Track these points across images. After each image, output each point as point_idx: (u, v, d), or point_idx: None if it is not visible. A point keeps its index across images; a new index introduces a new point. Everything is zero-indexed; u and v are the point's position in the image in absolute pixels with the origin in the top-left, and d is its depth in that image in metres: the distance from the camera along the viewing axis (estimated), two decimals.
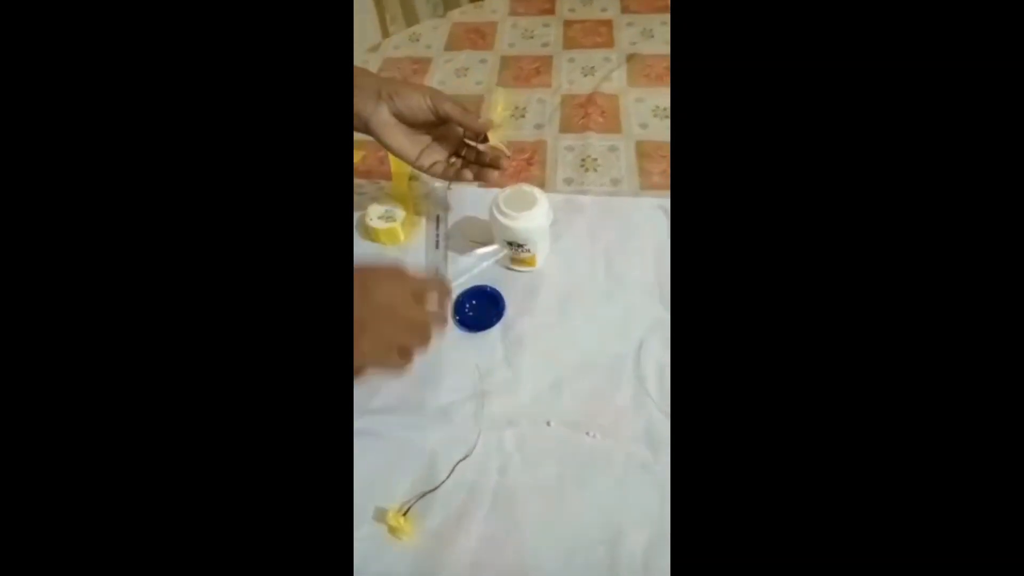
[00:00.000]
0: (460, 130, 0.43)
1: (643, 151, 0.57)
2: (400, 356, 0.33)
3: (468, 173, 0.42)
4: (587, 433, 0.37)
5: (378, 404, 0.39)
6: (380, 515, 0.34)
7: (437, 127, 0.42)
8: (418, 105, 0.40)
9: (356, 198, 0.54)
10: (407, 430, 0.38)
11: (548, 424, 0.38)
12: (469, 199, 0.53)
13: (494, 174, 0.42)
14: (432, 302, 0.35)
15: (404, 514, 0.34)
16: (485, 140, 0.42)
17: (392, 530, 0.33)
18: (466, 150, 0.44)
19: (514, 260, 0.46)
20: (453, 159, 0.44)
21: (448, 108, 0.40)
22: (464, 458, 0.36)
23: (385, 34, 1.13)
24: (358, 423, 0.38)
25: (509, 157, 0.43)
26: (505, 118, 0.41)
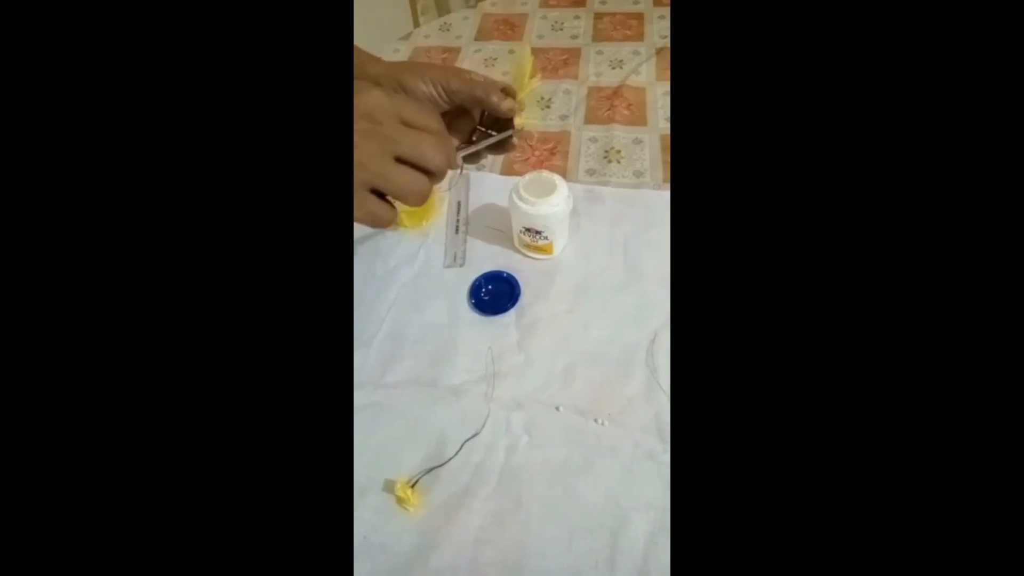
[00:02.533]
0: (476, 114, 0.37)
1: (668, 144, 0.57)
2: (407, 175, 0.27)
3: (483, 158, 0.38)
4: (595, 420, 0.37)
5: (391, 379, 0.40)
6: (388, 486, 0.35)
7: (449, 114, 0.37)
8: (426, 97, 0.34)
9: None
10: (418, 406, 0.39)
11: (557, 409, 0.38)
12: (490, 186, 0.53)
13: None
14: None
15: (412, 486, 0.35)
16: (508, 126, 0.37)
17: (399, 500, 0.34)
18: (477, 134, 0.38)
19: (531, 247, 0.46)
20: (462, 147, 0.37)
21: (472, 93, 0.34)
22: (473, 436, 0.37)
23: (416, 24, 1.15)
24: (372, 396, 0.39)
25: (532, 135, 0.40)
26: (531, 90, 0.36)
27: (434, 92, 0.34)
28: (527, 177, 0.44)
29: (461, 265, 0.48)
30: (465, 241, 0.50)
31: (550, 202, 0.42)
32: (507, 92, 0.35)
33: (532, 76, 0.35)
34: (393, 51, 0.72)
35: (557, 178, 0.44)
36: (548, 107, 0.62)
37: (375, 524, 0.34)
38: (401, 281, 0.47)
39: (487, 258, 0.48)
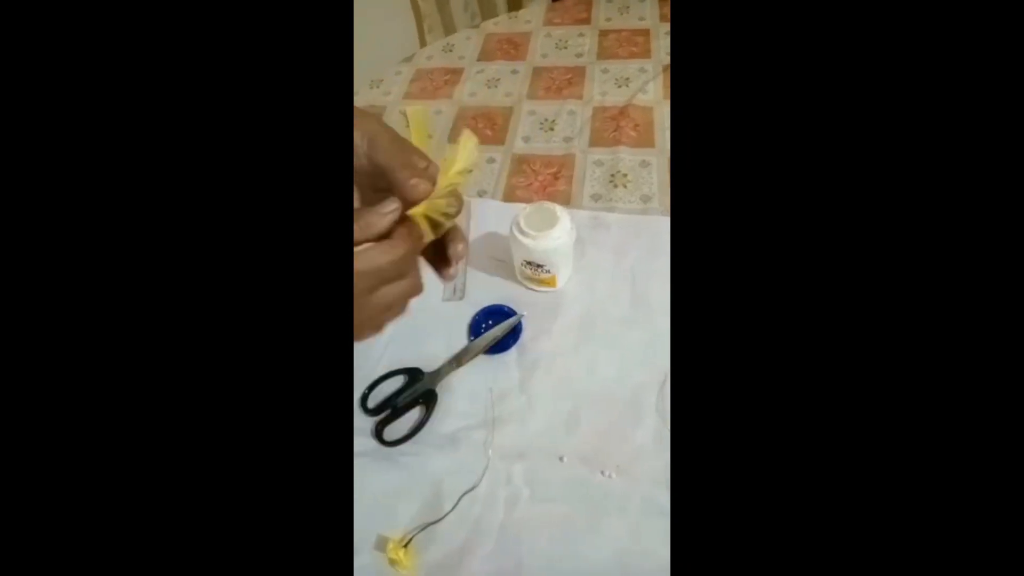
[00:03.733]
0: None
1: None
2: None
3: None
4: (602, 472, 0.35)
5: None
6: (381, 543, 0.33)
7: (372, 177, 0.27)
8: (357, 154, 0.26)
9: None
10: (413, 455, 0.37)
11: (561, 459, 0.36)
12: (492, 215, 0.51)
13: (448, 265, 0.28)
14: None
15: (405, 546, 0.32)
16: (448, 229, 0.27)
17: (392, 562, 0.32)
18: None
19: (533, 279, 0.44)
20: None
21: (383, 158, 0.25)
22: (470, 490, 0.35)
23: (423, 43, 1.14)
24: (367, 443, 0.38)
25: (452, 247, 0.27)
26: (457, 181, 0.26)
27: (361, 145, 0.26)
28: (527, 209, 0.42)
29: (460, 298, 0.46)
30: (465, 272, 0.48)
31: (552, 235, 0.40)
32: (430, 174, 0.25)
33: (460, 168, 0.26)
34: (395, 73, 0.71)
35: (559, 209, 0.42)
36: (552, 129, 0.61)
37: None
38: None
39: (488, 290, 0.46)
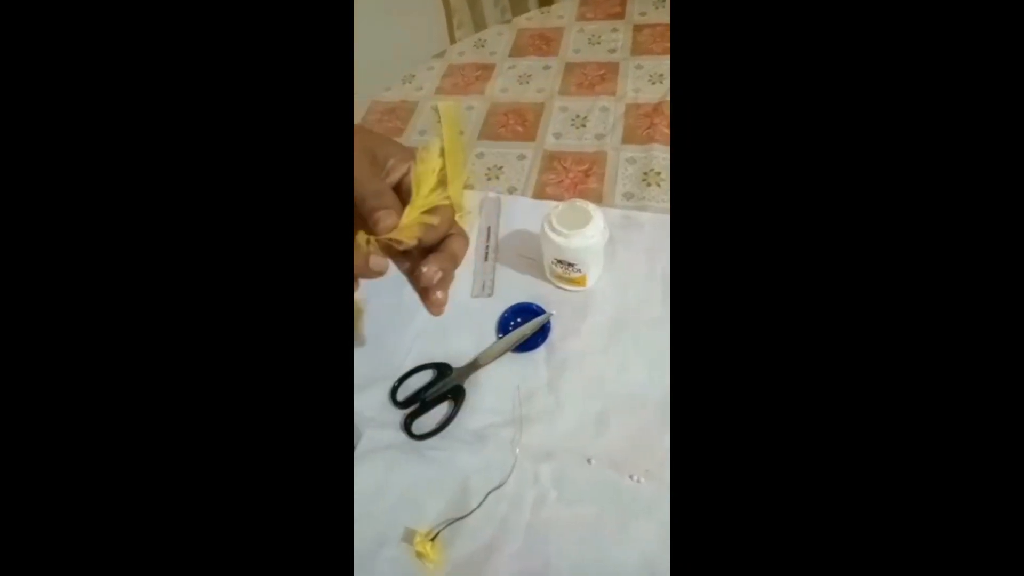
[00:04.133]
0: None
1: None
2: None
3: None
4: (631, 476, 0.34)
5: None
6: (408, 536, 0.33)
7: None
8: None
9: None
10: (441, 450, 0.37)
11: (589, 461, 0.35)
12: (522, 212, 0.51)
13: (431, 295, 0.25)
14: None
15: (432, 540, 0.33)
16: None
17: (419, 555, 0.32)
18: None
19: (563, 278, 0.44)
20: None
21: (355, 185, 0.23)
22: (497, 487, 0.35)
23: (452, 40, 1.15)
24: (395, 436, 0.38)
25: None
26: (432, 203, 0.23)
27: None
28: (560, 207, 0.41)
29: (489, 295, 0.46)
30: (494, 269, 0.48)
31: (584, 234, 0.40)
32: (384, 225, 0.23)
33: (434, 188, 0.23)
34: (427, 68, 0.71)
35: (592, 207, 0.41)
36: (583, 126, 0.60)
37: None
38: (426, 312, 0.45)
39: (517, 288, 0.46)
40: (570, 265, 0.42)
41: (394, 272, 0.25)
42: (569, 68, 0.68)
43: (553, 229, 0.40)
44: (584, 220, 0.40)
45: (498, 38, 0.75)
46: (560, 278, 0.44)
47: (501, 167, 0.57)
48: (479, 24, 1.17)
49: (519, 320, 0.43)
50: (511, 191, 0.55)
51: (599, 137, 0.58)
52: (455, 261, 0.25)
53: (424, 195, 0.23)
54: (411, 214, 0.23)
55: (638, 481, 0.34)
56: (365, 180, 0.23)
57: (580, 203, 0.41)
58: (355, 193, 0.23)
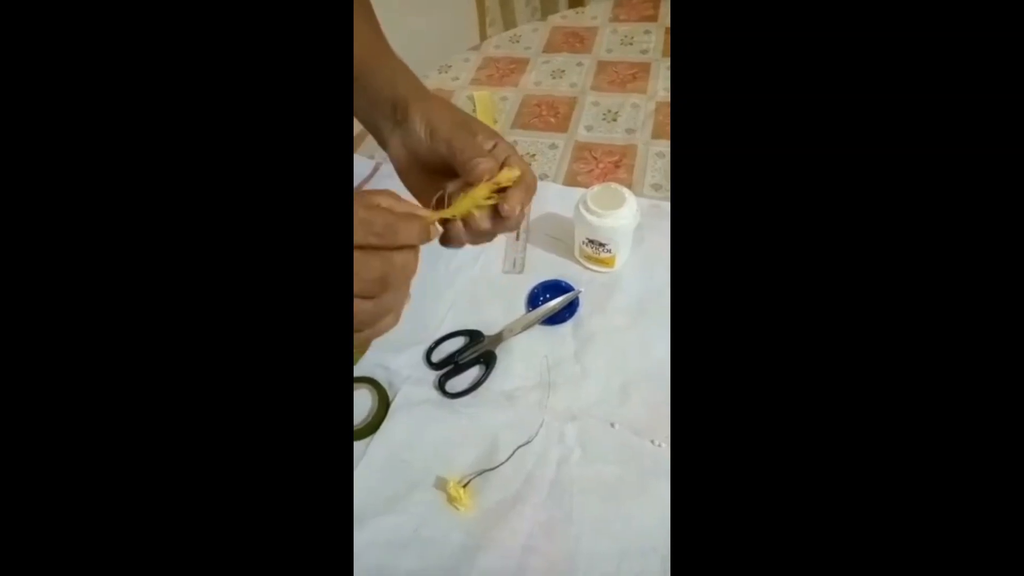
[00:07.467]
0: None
1: None
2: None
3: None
4: (652, 441, 0.37)
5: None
6: (440, 483, 0.36)
7: (429, 167, 0.27)
8: (418, 140, 0.27)
9: None
10: (473, 407, 0.39)
11: (612, 426, 0.38)
12: (552, 197, 0.53)
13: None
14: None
15: (464, 486, 0.35)
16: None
17: (451, 499, 0.35)
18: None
19: (592, 259, 0.46)
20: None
21: (444, 141, 0.26)
22: (525, 443, 0.37)
23: (483, 36, 1.18)
24: (428, 393, 0.40)
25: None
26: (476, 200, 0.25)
27: (419, 131, 0.27)
28: (595, 188, 0.44)
29: (520, 272, 0.48)
30: (525, 248, 0.50)
31: (618, 215, 0.42)
32: (481, 173, 0.25)
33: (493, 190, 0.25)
34: (464, 60, 0.74)
35: (626, 191, 0.43)
36: (615, 120, 0.62)
37: (425, 518, 0.34)
38: (460, 283, 0.48)
39: (546, 266, 0.48)
40: (601, 245, 0.44)
41: (431, 245, 0.27)
42: (601, 66, 0.70)
43: (588, 209, 0.43)
44: (619, 202, 0.42)
45: (533, 34, 0.78)
46: (589, 258, 0.46)
47: (534, 155, 0.60)
48: (509, 23, 1.20)
49: (548, 296, 0.46)
50: (542, 178, 0.57)
51: (629, 131, 0.61)
52: (530, 192, 0.27)
53: (487, 190, 0.25)
54: (461, 203, 0.25)
55: (659, 445, 0.36)
56: (458, 134, 0.26)
57: (615, 186, 0.44)
58: (446, 149, 0.25)
